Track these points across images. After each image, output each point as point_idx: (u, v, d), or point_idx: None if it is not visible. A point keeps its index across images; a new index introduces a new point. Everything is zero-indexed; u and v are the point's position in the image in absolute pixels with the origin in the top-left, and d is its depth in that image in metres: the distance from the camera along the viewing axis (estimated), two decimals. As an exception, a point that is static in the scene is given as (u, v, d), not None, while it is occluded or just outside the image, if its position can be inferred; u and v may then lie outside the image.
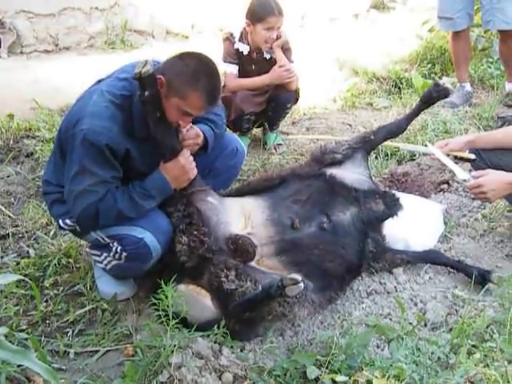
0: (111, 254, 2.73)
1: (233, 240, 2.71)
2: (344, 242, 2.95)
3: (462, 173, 3.17)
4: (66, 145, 2.67)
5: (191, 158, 2.76)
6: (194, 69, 2.55)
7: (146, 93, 2.53)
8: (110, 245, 2.71)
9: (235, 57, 4.37)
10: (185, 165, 2.71)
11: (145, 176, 2.72)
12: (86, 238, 2.87)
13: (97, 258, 2.84)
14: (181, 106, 2.58)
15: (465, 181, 3.11)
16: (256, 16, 4.21)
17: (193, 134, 2.80)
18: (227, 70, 4.35)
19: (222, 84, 4.25)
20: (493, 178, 3.00)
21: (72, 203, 2.62)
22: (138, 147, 2.68)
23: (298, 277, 2.37)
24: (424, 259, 3.19)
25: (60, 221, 2.85)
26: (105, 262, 2.79)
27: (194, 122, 2.86)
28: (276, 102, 4.47)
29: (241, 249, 2.69)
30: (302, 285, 2.37)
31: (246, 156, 4.36)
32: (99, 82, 2.79)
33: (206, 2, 7.64)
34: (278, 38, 4.28)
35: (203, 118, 2.94)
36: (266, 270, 2.73)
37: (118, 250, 2.69)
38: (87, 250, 3.01)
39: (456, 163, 3.37)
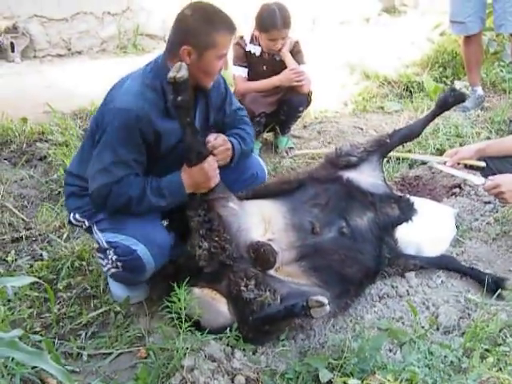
0: (109, 261, 2.71)
1: (254, 248, 2.68)
2: (362, 247, 2.94)
3: (476, 178, 3.15)
4: (97, 129, 2.69)
5: (215, 165, 2.72)
6: (205, 17, 2.64)
7: (180, 98, 2.51)
8: (107, 252, 2.70)
9: (245, 59, 4.41)
10: (208, 172, 2.67)
11: (165, 171, 2.71)
12: (92, 236, 2.87)
13: (101, 262, 2.81)
14: (216, 53, 2.65)
15: (483, 185, 3.09)
16: (261, 26, 4.29)
17: (221, 140, 2.79)
18: (236, 73, 4.40)
19: (233, 89, 4.29)
20: (511, 179, 2.99)
21: (91, 179, 2.65)
22: (166, 128, 2.68)
23: (325, 299, 2.34)
24: (437, 265, 3.17)
25: (71, 215, 2.87)
26: (106, 268, 2.77)
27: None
28: (289, 106, 4.49)
29: (262, 258, 2.66)
30: (327, 308, 2.34)
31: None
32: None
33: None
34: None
35: (233, 133, 2.96)
36: (284, 278, 2.72)
37: (114, 258, 2.67)
38: (95, 252, 3.01)
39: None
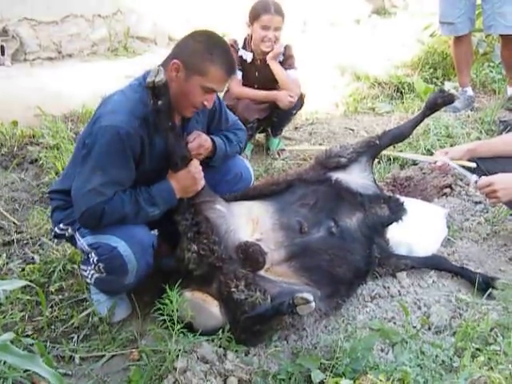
0: (92, 265, 2.65)
1: (243, 249, 2.69)
2: (352, 247, 2.95)
3: (471, 175, 3.17)
4: (83, 148, 2.62)
5: (200, 167, 2.73)
6: (207, 44, 2.59)
7: (160, 102, 2.51)
8: (89, 255, 2.64)
9: (238, 63, 4.39)
10: (195, 175, 2.69)
11: (151, 181, 2.69)
12: (76, 246, 2.81)
13: (84, 273, 2.77)
14: (203, 82, 2.59)
15: (476, 182, 3.10)
16: (253, 14, 4.32)
17: (196, 144, 2.78)
18: None
19: (226, 89, 4.31)
20: (504, 178, 3.01)
21: (78, 199, 2.57)
22: (154, 145, 2.65)
23: (310, 296, 2.36)
24: (428, 265, 3.19)
25: (56, 227, 2.83)
26: (89, 275, 2.71)
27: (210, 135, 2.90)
28: (282, 108, 4.49)
29: (251, 258, 2.68)
30: (313, 304, 2.36)
31: (249, 161, 4.39)
32: None
33: (208, 9, 7.67)
34: (273, 48, 4.34)
35: (221, 134, 2.98)
36: (275, 278, 2.72)
37: (95, 260, 2.61)
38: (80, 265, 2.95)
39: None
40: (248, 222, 2.86)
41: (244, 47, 4.43)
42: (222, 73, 2.62)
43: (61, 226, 2.80)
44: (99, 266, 2.61)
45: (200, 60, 2.57)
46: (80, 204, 2.56)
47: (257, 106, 4.46)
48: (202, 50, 2.58)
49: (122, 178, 2.59)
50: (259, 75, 4.45)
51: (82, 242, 2.67)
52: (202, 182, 2.76)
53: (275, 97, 4.43)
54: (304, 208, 2.99)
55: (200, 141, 2.80)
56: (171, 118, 2.61)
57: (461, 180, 4.08)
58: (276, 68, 4.38)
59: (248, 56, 4.42)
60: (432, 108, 3.48)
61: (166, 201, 2.69)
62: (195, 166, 2.71)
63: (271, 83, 4.48)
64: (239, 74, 4.42)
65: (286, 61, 4.43)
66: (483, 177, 3.08)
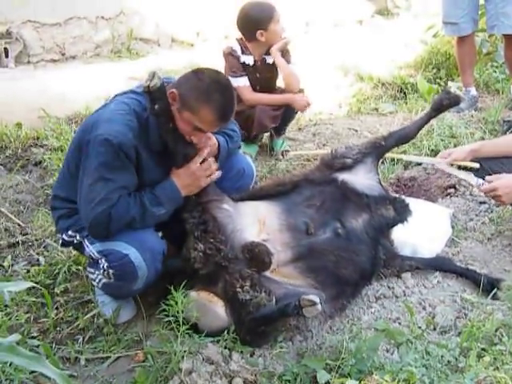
0: (101, 271, 2.65)
1: (249, 248, 2.69)
2: (357, 248, 2.94)
3: (473, 179, 3.17)
4: (79, 153, 2.64)
5: (204, 164, 2.74)
6: (208, 84, 2.57)
7: (156, 106, 2.54)
8: (99, 261, 2.64)
9: (242, 69, 4.35)
10: (196, 171, 2.71)
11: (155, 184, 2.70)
12: (84, 252, 2.81)
13: (91, 276, 2.77)
14: (192, 120, 2.58)
15: (480, 186, 3.10)
16: (264, 20, 4.23)
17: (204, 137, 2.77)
18: (240, 84, 4.31)
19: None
20: (507, 181, 3.01)
21: (84, 209, 2.58)
22: (149, 159, 2.67)
23: (316, 298, 2.36)
24: (433, 266, 3.18)
25: (63, 235, 2.83)
26: (97, 280, 2.72)
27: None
28: (292, 110, 4.52)
29: (257, 258, 2.67)
30: (319, 307, 2.36)
31: (254, 162, 4.38)
32: (115, 96, 2.79)
33: (211, 10, 7.68)
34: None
35: (221, 132, 2.96)
36: (280, 279, 2.72)
37: (105, 266, 2.61)
38: (86, 267, 2.94)
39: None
40: (255, 223, 2.86)
41: (243, 52, 4.36)
42: (214, 117, 2.59)
43: (69, 232, 2.80)
44: (109, 273, 2.61)
45: (196, 98, 2.56)
46: (88, 215, 2.57)
47: (273, 112, 4.44)
48: (201, 89, 2.56)
49: (125, 183, 2.60)
50: (260, 76, 4.43)
51: (91, 249, 2.67)
52: (206, 180, 2.76)
53: (292, 99, 4.41)
54: (311, 209, 2.99)
55: (206, 135, 2.78)
56: (172, 119, 2.62)
57: (465, 180, 4.08)
58: (280, 60, 4.35)
59: (250, 60, 4.36)
60: (438, 109, 3.47)
61: (171, 199, 2.70)
62: (196, 163, 2.72)
63: (271, 82, 4.52)
64: (247, 80, 4.36)
65: (284, 56, 4.39)
66: (487, 178, 3.08)
